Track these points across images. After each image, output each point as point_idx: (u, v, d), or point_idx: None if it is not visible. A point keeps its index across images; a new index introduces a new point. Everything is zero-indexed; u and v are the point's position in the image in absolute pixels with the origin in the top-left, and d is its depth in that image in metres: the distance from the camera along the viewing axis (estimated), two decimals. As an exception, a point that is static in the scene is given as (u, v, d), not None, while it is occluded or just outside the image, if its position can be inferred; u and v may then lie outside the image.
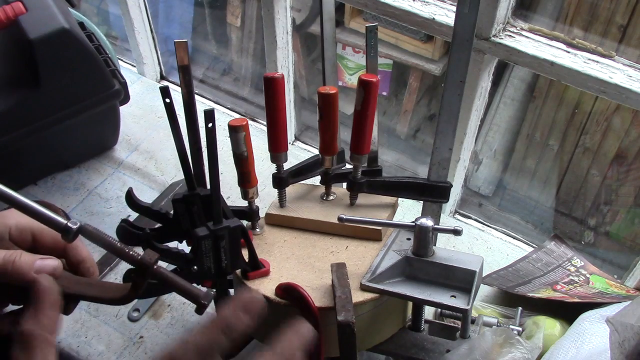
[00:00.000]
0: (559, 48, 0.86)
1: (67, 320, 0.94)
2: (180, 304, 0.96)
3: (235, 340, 0.42)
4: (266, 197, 0.98)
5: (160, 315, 0.95)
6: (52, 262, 0.50)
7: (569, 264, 0.98)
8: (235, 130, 0.71)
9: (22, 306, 0.48)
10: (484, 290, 0.97)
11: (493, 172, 2.00)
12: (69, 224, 0.48)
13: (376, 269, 0.70)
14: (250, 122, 1.01)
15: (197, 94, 1.31)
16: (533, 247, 1.06)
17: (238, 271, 0.72)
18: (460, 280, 0.69)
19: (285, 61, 1.14)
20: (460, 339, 0.72)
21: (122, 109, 1.14)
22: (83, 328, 0.93)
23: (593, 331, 0.77)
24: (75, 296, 0.52)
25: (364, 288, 0.69)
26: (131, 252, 0.49)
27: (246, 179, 0.76)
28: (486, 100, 0.97)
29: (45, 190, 1.11)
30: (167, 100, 0.68)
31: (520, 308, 0.86)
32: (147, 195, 1.10)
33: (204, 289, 0.50)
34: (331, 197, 0.83)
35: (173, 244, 0.74)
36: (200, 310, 0.48)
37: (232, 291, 0.78)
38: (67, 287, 0.51)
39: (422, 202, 0.84)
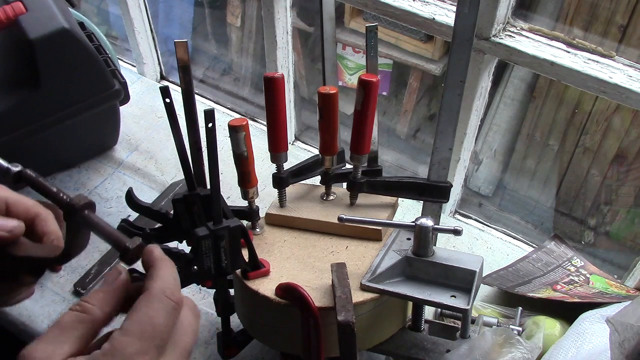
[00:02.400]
0: (559, 48, 0.86)
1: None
2: (180, 304, 0.96)
3: None
4: (266, 197, 0.98)
5: (160, 315, 0.95)
6: (12, 222, 0.52)
7: (569, 264, 0.98)
8: (235, 130, 0.71)
9: None
10: (484, 290, 0.97)
11: (493, 172, 2.00)
12: (10, 166, 0.49)
13: (376, 269, 0.70)
14: (250, 122, 1.01)
15: (197, 94, 1.31)
16: (533, 247, 1.06)
17: (238, 271, 0.72)
18: (460, 280, 0.69)
19: (285, 61, 1.14)
20: (460, 339, 0.72)
21: (122, 109, 1.13)
22: (83, 328, 0.93)
23: (593, 331, 0.77)
24: (23, 258, 0.52)
25: (364, 288, 0.69)
26: (61, 194, 0.49)
27: (246, 179, 0.76)
28: (486, 100, 0.97)
29: (45, 190, 1.11)
30: (167, 100, 0.68)
31: (520, 308, 0.86)
32: (147, 195, 1.10)
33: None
34: (331, 197, 0.83)
35: (173, 244, 0.74)
36: (124, 257, 0.47)
37: (232, 291, 0.78)
38: (21, 251, 0.52)
39: (422, 202, 0.84)
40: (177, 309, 0.42)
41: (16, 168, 0.49)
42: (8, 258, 0.52)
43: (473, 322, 0.76)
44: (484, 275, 0.93)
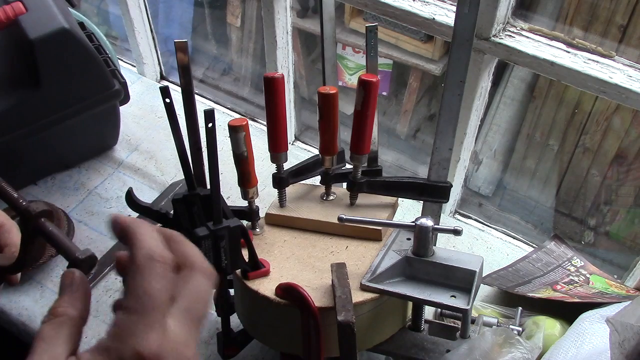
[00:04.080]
0: (559, 48, 0.86)
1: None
2: (180, 304, 0.96)
3: None
4: (266, 197, 0.98)
5: (160, 315, 0.95)
6: None
7: (569, 264, 0.98)
8: (235, 130, 0.71)
9: None
10: (484, 290, 0.97)
11: (493, 172, 2.00)
12: None
13: (376, 269, 0.70)
14: (250, 122, 1.01)
15: (197, 94, 1.31)
16: (533, 247, 1.06)
17: (238, 271, 0.72)
18: (460, 280, 0.69)
19: (285, 61, 1.14)
20: (460, 339, 0.72)
21: (122, 109, 1.14)
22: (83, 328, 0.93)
23: (593, 331, 0.77)
24: None
25: (364, 288, 0.69)
26: (20, 200, 0.47)
27: (246, 179, 0.76)
28: (486, 100, 0.97)
29: (45, 190, 1.11)
30: (167, 100, 0.68)
31: (520, 308, 0.86)
32: (147, 195, 1.10)
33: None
34: (331, 197, 0.83)
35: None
36: (75, 268, 0.45)
37: (232, 291, 0.78)
38: None
39: (422, 202, 0.84)
40: (168, 269, 0.40)
41: None
42: None
43: (473, 322, 0.76)
44: (484, 275, 0.93)
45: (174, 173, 1.15)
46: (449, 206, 1.12)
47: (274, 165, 0.80)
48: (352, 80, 2.11)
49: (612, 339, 0.64)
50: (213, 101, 1.38)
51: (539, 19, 1.65)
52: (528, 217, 1.96)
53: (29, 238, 0.48)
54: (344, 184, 0.81)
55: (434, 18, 0.89)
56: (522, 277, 0.97)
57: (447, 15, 0.89)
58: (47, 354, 0.38)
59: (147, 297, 0.38)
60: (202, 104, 1.32)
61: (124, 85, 1.06)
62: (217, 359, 0.87)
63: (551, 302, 0.89)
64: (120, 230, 0.42)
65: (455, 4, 0.70)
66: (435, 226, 0.69)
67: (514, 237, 1.09)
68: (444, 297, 0.68)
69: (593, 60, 0.84)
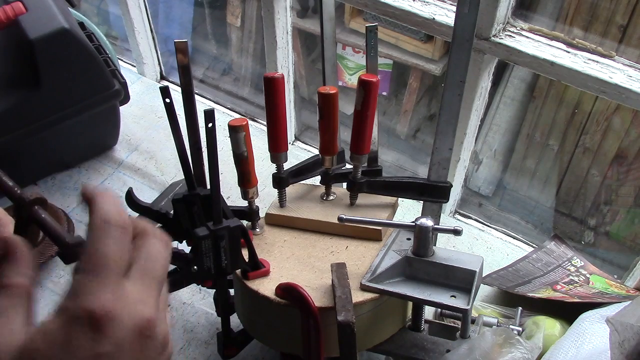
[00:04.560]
0: (559, 48, 0.86)
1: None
2: (180, 304, 0.96)
3: None
4: (266, 197, 0.98)
5: (160, 315, 0.95)
6: None
7: (569, 264, 0.98)
8: (235, 130, 0.71)
9: None
10: (484, 290, 0.97)
11: (493, 172, 2.00)
12: None
13: (376, 269, 0.70)
14: (250, 122, 1.01)
15: (197, 94, 1.31)
16: (533, 247, 1.06)
17: (238, 271, 0.72)
18: (460, 280, 0.69)
19: (285, 61, 1.14)
20: (460, 339, 0.72)
21: (122, 109, 1.14)
22: (83, 328, 0.93)
23: (593, 331, 0.77)
24: None
25: (364, 288, 0.68)
26: (15, 188, 0.48)
27: (246, 179, 0.76)
28: (486, 100, 0.97)
29: (45, 190, 1.11)
30: (167, 100, 0.68)
31: (520, 308, 0.86)
32: (147, 195, 1.10)
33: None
34: (331, 197, 0.83)
35: (173, 244, 0.74)
36: (64, 253, 0.45)
37: (232, 291, 0.78)
38: None
39: (422, 202, 0.84)
40: (125, 233, 0.40)
41: None
42: None
43: (473, 322, 0.76)
44: (484, 275, 0.93)
45: (174, 173, 1.15)
46: (449, 206, 1.12)
47: (274, 165, 0.80)
48: (352, 80, 2.11)
49: (612, 339, 0.64)
50: (213, 101, 1.38)
51: (539, 19, 1.65)
52: (528, 217, 1.96)
53: (23, 226, 0.48)
54: (344, 184, 0.81)
55: (434, 18, 0.89)
56: (522, 277, 0.97)
57: (447, 15, 0.89)
58: (5, 327, 0.37)
59: (101, 258, 0.38)
60: (202, 104, 1.32)
61: (124, 85, 1.06)
62: (217, 359, 0.87)
63: (551, 302, 0.89)
64: (84, 197, 0.43)
65: (455, 4, 0.70)
66: (435, 226, 0.69)
67: (514, 237, 1.09)
68: (444, 297, 0.68)
69: (593, 60, 0.84)
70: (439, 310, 0.83)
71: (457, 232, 0.67)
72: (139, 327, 0.37)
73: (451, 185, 0.79)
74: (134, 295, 0.38)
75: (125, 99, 1.08)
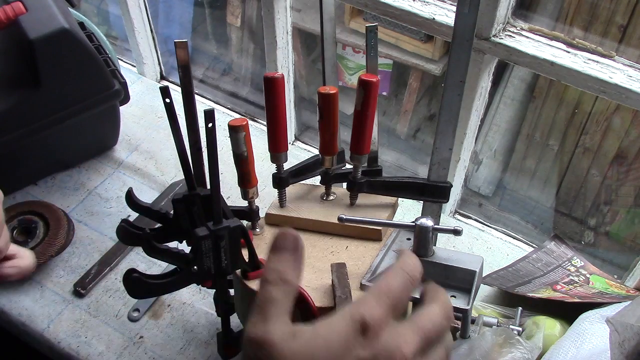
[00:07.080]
0: (559, 48, 0.86)
1: (67, 321, 0.94)
2: (180, 304, 0.96)
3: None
4: (266, 197, 0.98)
5: (160, 315, 0.95)
6: None
7: (569, 264, 0.98)
8: (235, 130, 0.71)
9: None
10: (484, 290, 0.97)
11: (493, 172, 2.00)
12: None
13: (376, 269, 0.70)
14: (250, 122, 1.01)
15: (197, 94, 1.31)
16: (533, 247, 1.06)
17: (238, 271, 0.72)
18: (460, 280, 0.69)
19: (285, 61, 1.14)
20: (460, 339, 0.72)
21: (122, 109, 1.14)
22: (83, 328, 0.93)
23: (593, 331, 0.77)
24: None
25: (364, 288, 0.68)
26: None
27: (246, 179, 0.76)
28: (486, 100, 0.97)
29: (45, 190, 1.11)
30: (167, 100, 0.68)
31: (520, 308, 0.86)
32: (147, 195, 1.10)
33: None
34: (331, 197, 0.83)
35: (173, 244, 0.74)
36: None
37: (232, 291, 0.78)
38: None
39: (422, 202, 0.84)
40: (411, 282, 0.45)
41: None
42: None
43: (473, 322, 0.76)
44: (484, 275, 0.93)
45: (174, 173, 1.15)
46: (449, 206, 1.12)
47: (274, 165, 0.80)
48: (352, 80, 2.12)
49: (612, 339, 0.64)
50: (213, 101, 1.38)
51: (539, 19, 1.65)
52: (528, 217, 1.96)
53: None
54: (344, 184, 0.81)
55: (434, 18, 0.89)
56: (522, 277, 0.97)
57: (447, 15, 0.89)
58: (280, 319, 0.41)
59: (385, 286, 0.44)
60: (202, 104, 1.32)
61: (124, 85, 1.06)
62: (217, 359, 0.87)
63: (551, 302, 0.89)
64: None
65: (455, 4, 0.70)
66: (435, 226, 0.69)
67: (514, 237, 1.09)
68: (444, 297, 0.68)
69: (593, 60, 0.84)
70: (439, 310, 0.82)
71: (457, 232, 0.67)
72: (391, 357, 0.41)
73: (451, 185, 0.79)
74: (401, 330, 0.42)
75: (125, 99, 1.08)
